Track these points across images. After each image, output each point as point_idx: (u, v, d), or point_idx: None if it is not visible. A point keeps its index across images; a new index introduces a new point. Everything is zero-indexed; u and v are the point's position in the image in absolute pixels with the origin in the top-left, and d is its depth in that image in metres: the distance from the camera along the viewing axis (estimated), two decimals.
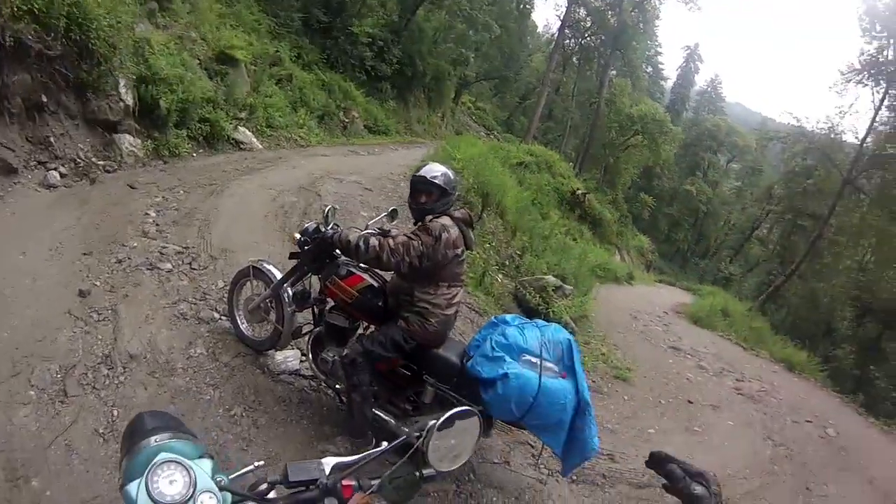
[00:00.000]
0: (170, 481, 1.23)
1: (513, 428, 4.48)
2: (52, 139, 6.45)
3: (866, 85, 23.62)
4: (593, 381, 7.16)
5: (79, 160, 6.70)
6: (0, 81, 5.73)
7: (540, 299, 8.57)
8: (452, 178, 3.61)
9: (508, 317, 3.84)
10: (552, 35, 43.13)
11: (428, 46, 24.11)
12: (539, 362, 3.42)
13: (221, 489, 1.30)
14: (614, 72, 40.24)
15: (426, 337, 3.59)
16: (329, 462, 1.46)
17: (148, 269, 5.21)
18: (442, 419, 1.56)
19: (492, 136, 34.13)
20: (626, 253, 29.60)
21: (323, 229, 3.80)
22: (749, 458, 6.39)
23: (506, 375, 3.32)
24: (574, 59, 43.27)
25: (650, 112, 34.83)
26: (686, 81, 58.15)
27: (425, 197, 3.56)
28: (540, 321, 3.92)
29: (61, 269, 4.86)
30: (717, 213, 52.09)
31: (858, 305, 22.67)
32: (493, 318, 4.06)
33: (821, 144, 26.54)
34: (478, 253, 8.58)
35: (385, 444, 1.55)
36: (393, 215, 4.33)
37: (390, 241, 3.40)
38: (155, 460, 1.27)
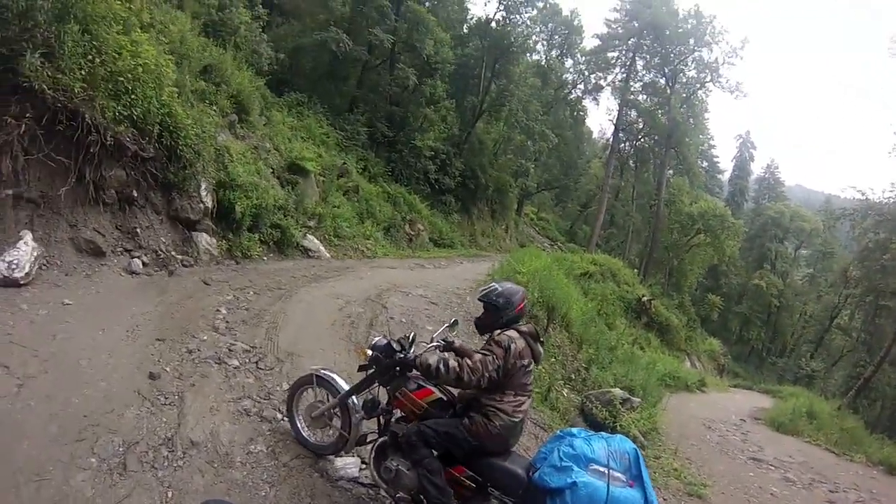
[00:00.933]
0: None
1: None
2: (138, 230, 6.90)
3: None
4: (665, 500, 6.59)
5: (160, 252, 7.08)
6: (99, 174, 6.28)
7: (607, 413, 8.20)
8: (516, 294, 3.75)
9: (574, 430, 3.75)
10: (607, 140, 44.49)
11: (489, 158, 25.13)
12: (607, 472, 3.30)
13: None
14: (671, 171, 40.68)
15: (488, 438, 3.56)
16: None
17: (216, 362, 5.31)
18: None
19: (555, 247, 34.66)
20: (696, 358, 28.11)
21: (395, 346, 3.93)
22: None
23: (574, 484, 3.22)
24: (630, 162, 44.01)
25: (710, 208, 34.62)
26: (742, 171, 57.37)
27: (488, 314, 3.76)
28: (605, 433, 3.82)
29: (135, 350, 5.03)
30: (791, 306, 48.42)
31: None
32: (558, 431, 3.98)
33: (891, 214, 23.91)
34: (544, 367, 8.39)
35: None
36: (453, 326, 4.47)
37: (468, 361, 3.51)
38: None
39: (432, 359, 3.62)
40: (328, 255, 11.40)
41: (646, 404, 9.54)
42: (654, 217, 38.37)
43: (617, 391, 8.86)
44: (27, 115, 5.36)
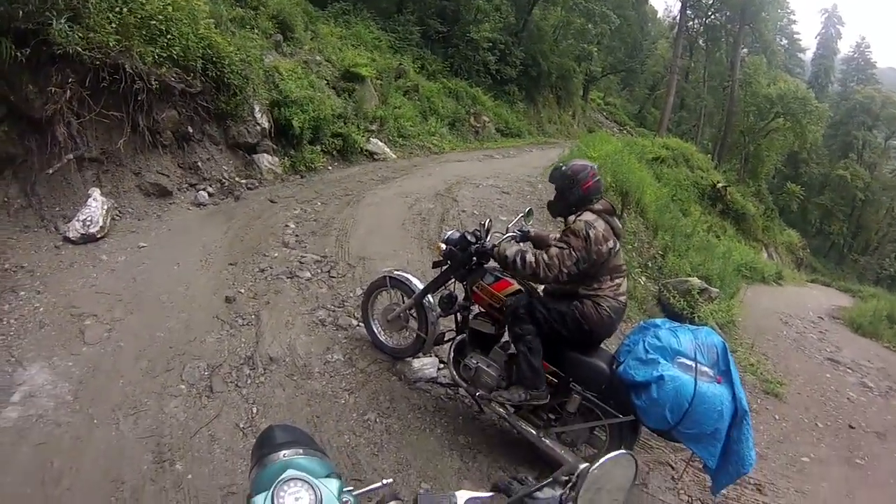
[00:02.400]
0: (295, 498, 1.23)
1: (653, 446, 4.16)
2: (199, 164, 7.01)
3: None
4: None
5: (224, 180, 7.19)
6: (151, 120, 6.35)
7: (685, 303, 7.90)
8: (584, 170, 3.48)
9: (658, 320, 3.55)
10: (674, 18, 40.07)
11: (549, 45, 23.72)
12: (694, 366, 3.12)
13: None
14: (745, 50, 36.57)
15: (599, 323, 3.41)
16: (463, 496, 1.31)
17: (288, 277, 5.40)
18: (598, 463, 1.26)
19: (624, 132, 32.69)
20: (773, 250, 26.57)
21: (469, 238, 3.77)
22: None
23: (661, 378, 3.07)
24: (700, 41, 39.76)
25: (790, 90, 30.94)
26: (828, 50, 50.74)
27: (559, 195, 3.56)
28: (691, 325, 3.57)
29: (210, 278, 5.20)
30: (878, 201, 43.49)
31: None
32: (641, 322, 3.81)
33: None
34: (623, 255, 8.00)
35: (530, 482, 1.34)
36: (529, 216, 4.18)
37: (544, 255, 3.32)
38: (282, 476, 1.27)
39: (510, 250, 3.47)
40: (394, 155, 11.26)
41: (723, 295, 9.07)
42: (728, 100, 34.80)
43: (695, 280, 8.50)
44: (69, 80, 5.40)
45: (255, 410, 3.73)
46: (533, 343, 3.44)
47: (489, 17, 20.72)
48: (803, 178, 41.53)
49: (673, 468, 4.24)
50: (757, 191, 32.24)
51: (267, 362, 4.19)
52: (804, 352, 9.34)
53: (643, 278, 8.52)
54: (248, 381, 3.98)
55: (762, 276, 16.36)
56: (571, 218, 3.45)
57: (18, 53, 4.87)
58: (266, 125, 8.10)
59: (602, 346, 3.66)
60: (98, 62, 5.50)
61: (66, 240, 5.22)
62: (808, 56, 51.39)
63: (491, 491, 1.30)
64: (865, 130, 44.03)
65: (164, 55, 6.23)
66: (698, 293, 8.14)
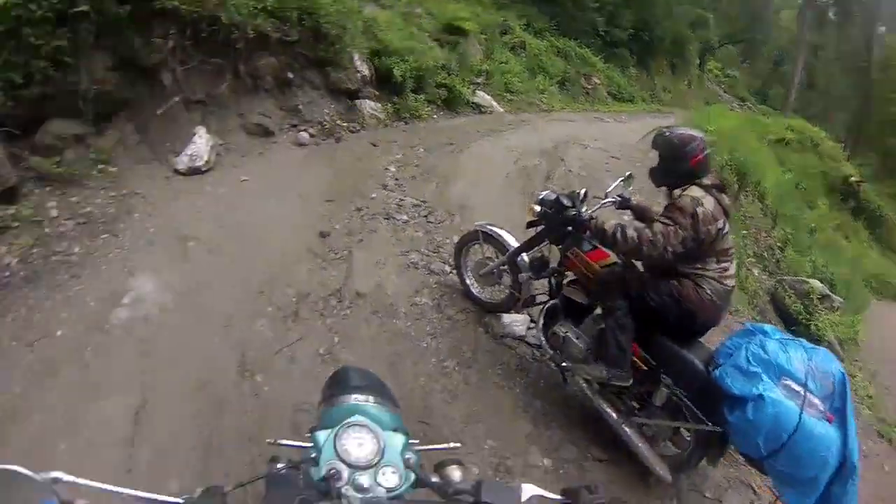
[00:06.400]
0: (358, 444, 1.21)
1: (739, 462, 3.73)
2: (300, 106, 7.07)
3: None
4: None
5: (325, 122, 7.19)
6: (252, 66, 6.52)
7: (801, 307, 7.13)
8: (692, 141, 3.09)
9: (767, 327, 3.10)
10: None
11: (662, 9, 22.16)
12: (803, 393, 2.65)
13: (407, 467, 1.22)
14: (883, 28, 32.62)
15: (700, 305, 3.04)
16: (528, 491, 1.19)
17: (385, 218, 5.37)
18: None
19: (745, 107, 29.92)
20: None
21: (564, 201, 3.41)
22: None
23: (761, 397, 2.65)
24: (830, 14, 35.79)
25: None
26: None
27: (662, 162, 3.20)
28: (805, 341, 3.02)
29: (307, 213, 5.24)
30: None
31: None
32: (747, 324, 3.38)
33: None
34: (733, 237, 7.21)
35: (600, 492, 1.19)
36: (629, 180, 3.82)
37: (647, 231, 2.97)
38: (350, 419, 1.26)
39: (609, 223, 3.12)
40: (501, 109, 10.86)
41: (847, 307, 8.02)
42: (866, 84, 30.90)
43: (816, 283, 7.67)
44: (171, 32, 5.65)
45: (336, 340, 3.82)
46: (623, 320, 3.14)
47: None
48: None
49: (755, 493, 3.84)
50: None
51: (354, 297, 4.24)
52: None
53: (756, 269, 7.82)
54: (334, 313, 4.06)
55: None
56: (677, 192, 3.09)
57: (120, 10, 5.11)
58: (367, 73, 8.03)
59: (702, 341, 3.27)
60: (196, 15, 5.71)
61: (175, 172, 5.50)
62: None
63: (561, 495, 1.19)
64: None
65: (259, 7, 6.34)
66: (819, 299, 7.39)
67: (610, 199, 3.66)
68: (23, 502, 0.94)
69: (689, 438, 3.16)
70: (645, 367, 3.21)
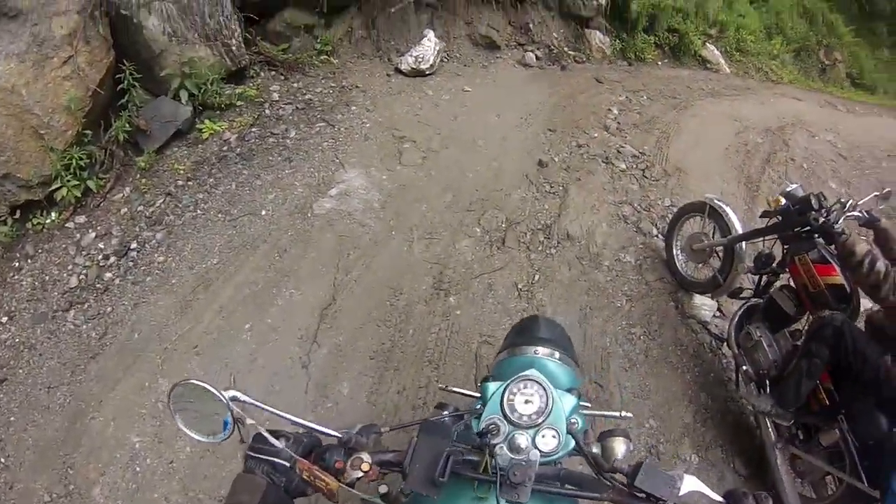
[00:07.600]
0: (525, 400, 1.17)
1: None
2: (530, 25, 6.84)
3: None
4: None
5: (552, 46, 6.91)
6: None
7: None
8: None
9: None
10: None
11: None
12: None
13: (569, 432, 1.17)
14: None
15: None
16: (689, 484, 1.07)
17: (603, 161, 5.08)
18: None
19: None
20: None
21: (814, 202, 3.00)
22: None
23: None
24: None
25: None
26: None
27: None
28: None
29: (526, 137, 5.06)
30: None
31: None
32: None
33: None
34: None
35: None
36: (886, 198, 3.27)
37: (894, 271, 2.51)
38: (525, 373, 1.21)
39: (860, 246, 2.62)
40: (727, 69, 9.86)
41: None
42: None
43: None
44: None
45: (536, 278, 3.73)
46: (814, 369, 2.74)
47: None
48: None
49: None
50: None
51: (563, 237, 4.10)
52: None
53: None
54: (539, 249, 3.96)
55: None
56: None
57: None
58: (603, 2, 7.52)
59: None
60: None
61: (398, 71, 5.53)
62: None
63: (723, 497, 1.06)
64: None
65: None
66: None
67: (857, 213, 3.11)
68: (212, 412, 1.08)
69: (833, 489, 2.83)
70: (827, 402, 2.84)
